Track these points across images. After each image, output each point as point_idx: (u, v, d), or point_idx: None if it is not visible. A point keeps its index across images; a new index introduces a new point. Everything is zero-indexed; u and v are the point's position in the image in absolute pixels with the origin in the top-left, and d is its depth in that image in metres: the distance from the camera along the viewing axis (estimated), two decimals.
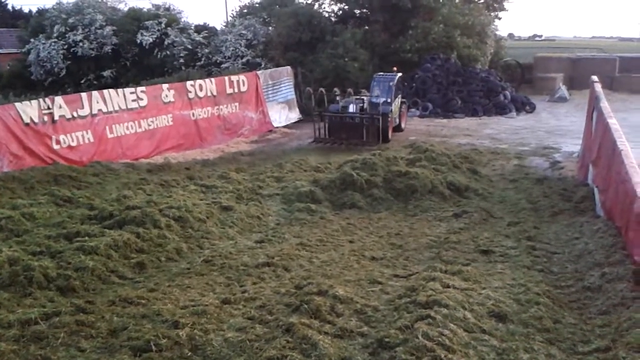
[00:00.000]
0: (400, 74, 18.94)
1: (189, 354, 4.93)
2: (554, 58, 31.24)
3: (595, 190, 10.03)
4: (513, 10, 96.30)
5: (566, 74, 29.66)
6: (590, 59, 31.49)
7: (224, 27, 31.59)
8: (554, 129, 19.62)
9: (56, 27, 28.62)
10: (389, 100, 17.53)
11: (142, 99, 15.29)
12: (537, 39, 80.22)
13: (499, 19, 31.40)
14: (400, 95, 18.95)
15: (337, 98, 18.54)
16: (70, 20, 28.72)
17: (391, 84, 17.97)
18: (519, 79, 29.24)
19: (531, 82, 29.44)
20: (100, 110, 14.14)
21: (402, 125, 19.20)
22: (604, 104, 10.75)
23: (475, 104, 23.10)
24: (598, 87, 12.20)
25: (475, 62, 25.71)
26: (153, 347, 4.93)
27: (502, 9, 31.14)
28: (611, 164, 8.62)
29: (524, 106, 23.86)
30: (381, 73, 19.48)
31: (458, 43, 25.10)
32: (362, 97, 17.94)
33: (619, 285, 6.09)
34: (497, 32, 30.38)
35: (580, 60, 30.86)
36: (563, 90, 27.23)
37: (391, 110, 17.44)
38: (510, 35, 70.77)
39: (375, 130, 16.67)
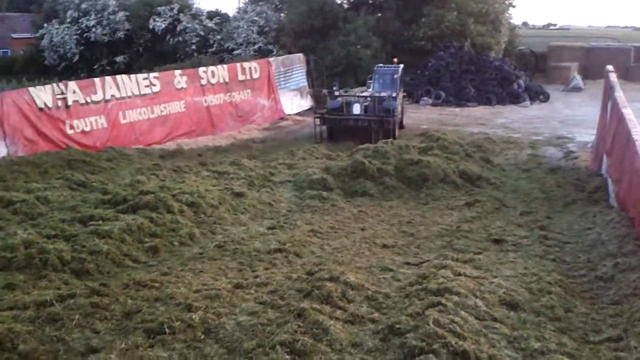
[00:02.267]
0: (402, 66, 17.53)
1: (202, 336, 4.98)
2: (568, 47, 30.95)
3: (609, 180, 9.97)
4: None
5: (580, 64, 29.39)
6: (605, 48, 31.17)
7: (236, 14, 31.57)
8: (567, 118, 19.47)
9: (69, 12, 28.75)
10: (394, 94, 15.96)
11: (154, 85, 15.32)
12: (552, 27, 79.37)
13: (513, 7, 31.36)
14: (402, 89, 17.60)
15: (335, 91, 16.72)
16: (83, 6, 28.82)
17: (395, 76, 16.69)
18: (532, 68, 29.00)
19: (545, 71, 29.21)
20: (113, 95, 14.19)
21: (403, 122, 17.70)
22: (619, 94, 10.66)
23: (489, 93, 22.95)
24: (613, 76, 12.08)
25: (489, 51, 25.53)
26: (166, 330, 4.98)
27: None
28: (625, 155, 8.56)
29: (537, 95, 23.69)
30: (381, 65, 18.14)
31: (472, 31, 24.92)
32: (365, 95, 16.40)
33: (632, 276, 6.09)
34: (511, 21, 30.15)
35: (594, 50, 30.55)
36: (577, 79, 26.98)
37: (397, 105, 15.98)
38: (525, 24, 70.03)
39: (384, 132, 15.18)
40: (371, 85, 17.10)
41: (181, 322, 5.08)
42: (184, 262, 7.06)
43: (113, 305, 5.55)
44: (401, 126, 17.20)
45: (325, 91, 17.43)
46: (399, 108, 16.52)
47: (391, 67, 17.40)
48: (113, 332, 5.11)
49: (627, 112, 9.50)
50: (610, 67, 12.89)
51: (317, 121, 16.04)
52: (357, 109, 15.82)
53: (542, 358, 4.74)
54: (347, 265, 6.81)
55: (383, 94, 15.84)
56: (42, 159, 11.64)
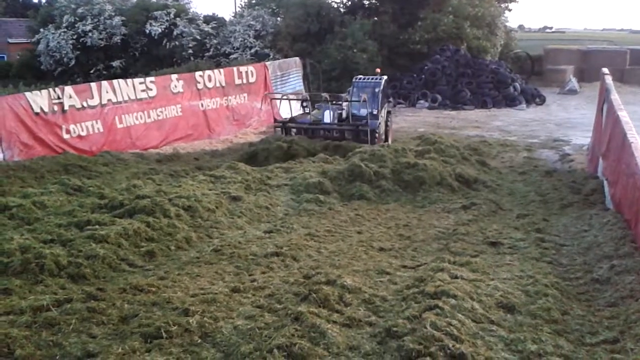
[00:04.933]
0: (385, 77, 15.35)
1: (199, 340, 4.97)
2: (565, 50, 31.09)
3: (605, 182, 10.00)
4: (523, 1, 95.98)
5: (576, 66, 29.53)
6: (601, 51, 31.33)
7: (232, 18, 31.62)
8: (563, 121, 19.54)
9: (65, 17, 28.76)
10: (374, 111, 14.03)
11: (151, 89, 15.33)
12: (548, 30, 79.67)
13: (509, 10, 31.37)
14: (387, 104, 15.35)
15: (306, 110, 15.43)
16: (80, 10, 28.84)
17: (377, 90, 14.48)
18: (528, 71, 29.13)
19: (541, 74, 29.34)
20: (109, 100, 14.20)
21: (390, 142, 15.04)
22: (615, 97, 10.69)
23: (485, 96, 23.03)
24: (608, 79, 12.12)
25: (484, 54, 25.63)
26: (163, 334, 4.96)
27: (513, 0, 31.00)
28: (621, 157, 8.58)
29: (533, 98, 23.78)
30: (361, 77, 15.72)
31: (468, 34, 25.02)
32: (340, 102, 14.61)
33: (628, 278, 6.09)
34: (507, 24, 30.38)
35: (590, 53, 30.69)
36: (573, 82, 27.09)
37: (379, 124, 14.13)
38: (521, 27, 70.48)
39: (361, 142, 13.40)
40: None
41: (178, 327, 5.07)
42: (181, 267, 7.04)
43: (110, 310, 5.53)
44: None
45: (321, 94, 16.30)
46: (382, 126, 14.61)
47: (372, 79, 15.12)
48: (110, 337, 5.09)
49: (623, 114, 9.53)
50: (605, 70, 12.94)
51: (279, 130, 15.07)
52: (327, 117, 14.33)
53: None
54: (344, 268, 6.80)
55: (362, 112, 14.05)
56: (38, 163, 11.62)
